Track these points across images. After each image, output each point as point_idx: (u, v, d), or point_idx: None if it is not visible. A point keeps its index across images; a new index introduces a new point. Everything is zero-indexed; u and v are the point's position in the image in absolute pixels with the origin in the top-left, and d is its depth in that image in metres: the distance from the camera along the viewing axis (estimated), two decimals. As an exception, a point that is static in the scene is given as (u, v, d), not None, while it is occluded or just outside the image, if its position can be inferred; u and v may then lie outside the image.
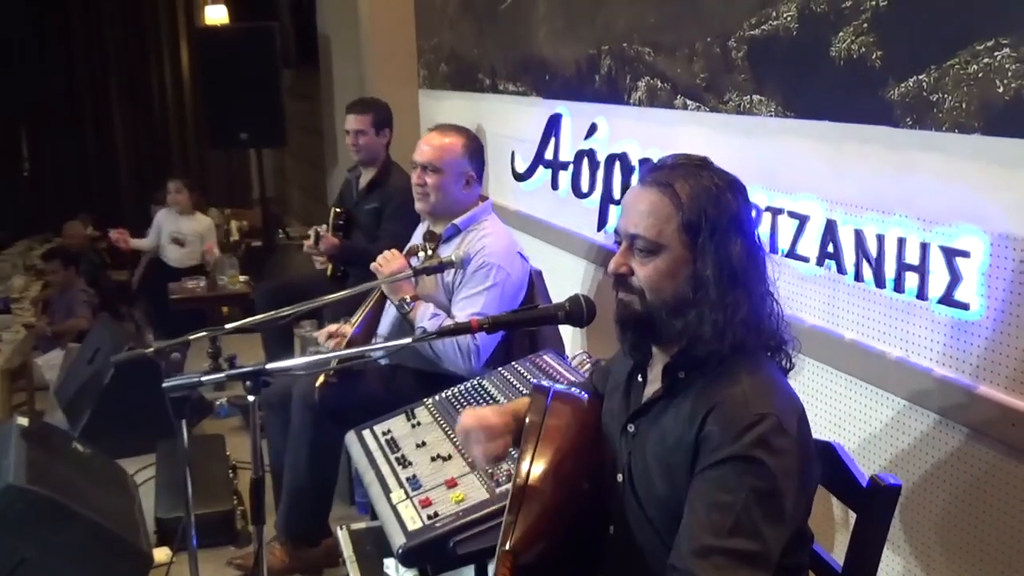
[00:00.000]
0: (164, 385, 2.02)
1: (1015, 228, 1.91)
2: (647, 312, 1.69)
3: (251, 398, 1.96)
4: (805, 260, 2.46)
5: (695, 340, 1.66)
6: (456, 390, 2.86)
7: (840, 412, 2.45)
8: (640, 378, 1.82)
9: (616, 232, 1.74)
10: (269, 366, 1.96)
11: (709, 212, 1.64)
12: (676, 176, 1.68)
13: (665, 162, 1.75)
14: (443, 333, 1.95)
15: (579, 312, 1.91)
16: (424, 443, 2.61)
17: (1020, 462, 1.94)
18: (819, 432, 2.26)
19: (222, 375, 1.97)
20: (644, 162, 3.19)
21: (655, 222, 1.66)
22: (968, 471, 2.08)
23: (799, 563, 1.76)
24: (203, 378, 1.99)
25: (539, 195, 4.14)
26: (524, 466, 1.76)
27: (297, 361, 2.13)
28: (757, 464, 1.54)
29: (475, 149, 3.34)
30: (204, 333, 2.65)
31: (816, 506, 1.75)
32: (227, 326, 2.51)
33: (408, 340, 2.05)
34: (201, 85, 8.31)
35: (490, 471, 2.28)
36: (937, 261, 2.06)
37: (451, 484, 2.34)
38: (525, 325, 2.26)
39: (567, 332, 3.61)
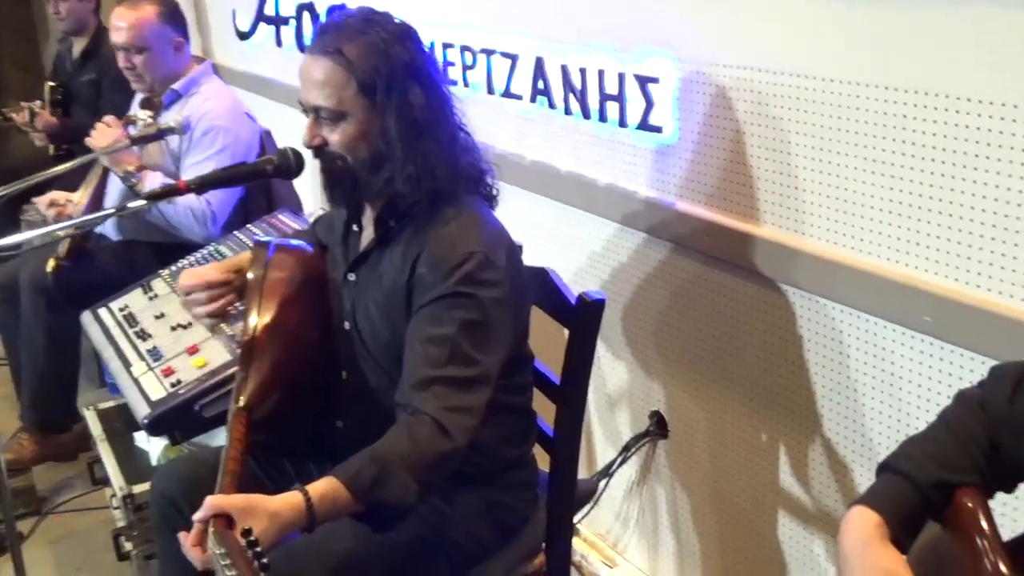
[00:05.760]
0: None
1: (703, 53, 2.04)
2: (350, 171, 1.71)
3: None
4: (519, 98, 2.54)
5: (395, 194, 1.70)
6: (192, 258, 2.81)
7: (562, 240, 2.59)
8: (356, 228, 1.86)
9: (300, 103, 1.73)
10: (-29, 247, 1.86)
11: (381, 69, 1.65)
12: (343, 39, 1.66)
13: (330, 24, 1.72)
14: (150, 198, 1.89)
15: (287, 165, 1.90)
16: (163, 314, 2.58)
17: (715, 268, 2.14)
18: (544, 260, 2.38)
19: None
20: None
21: (332, 91, 1.66)
22: (675, 281, 2.26)
23: (523, 383, 1.89)
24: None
25: (264, 53, 4.02)
26: (251, 321, 1.78)
27: (8, 240, 1.96)
28: (466, 298, 1.62)
29: (170, 12, 3.13)
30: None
31: (544, 329, 1.87)
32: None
33: (112, 210, 1.97)
34: None
35: (231, 333, 2.29)
36: (633, 89, 2.18)
37: (192, 351, 2.34)
38: (235, 182, 2.23)
39: (305, 191, 3.58)
